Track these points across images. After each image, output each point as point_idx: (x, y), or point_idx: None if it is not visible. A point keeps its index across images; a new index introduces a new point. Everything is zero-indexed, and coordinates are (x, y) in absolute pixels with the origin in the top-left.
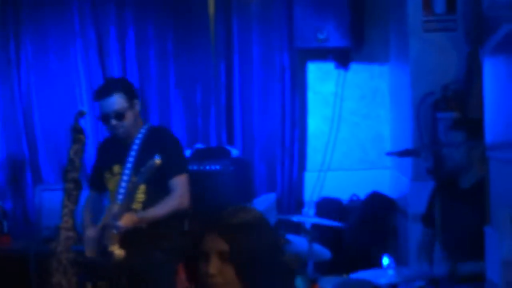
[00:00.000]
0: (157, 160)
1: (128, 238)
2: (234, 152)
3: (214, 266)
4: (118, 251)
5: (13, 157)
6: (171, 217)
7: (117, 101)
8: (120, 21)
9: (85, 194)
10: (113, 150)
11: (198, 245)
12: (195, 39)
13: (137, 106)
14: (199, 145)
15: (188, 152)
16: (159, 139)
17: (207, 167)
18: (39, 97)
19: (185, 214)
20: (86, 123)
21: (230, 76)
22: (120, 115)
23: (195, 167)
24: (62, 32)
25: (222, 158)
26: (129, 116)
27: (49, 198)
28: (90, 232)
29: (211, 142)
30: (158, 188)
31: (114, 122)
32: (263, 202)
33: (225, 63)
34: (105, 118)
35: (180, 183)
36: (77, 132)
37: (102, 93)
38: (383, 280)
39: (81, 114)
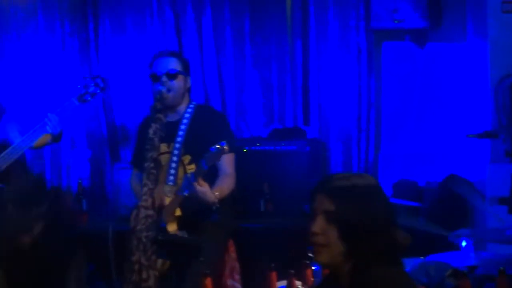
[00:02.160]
0: (225, 147)
1: (184, 218)
2: (310, 132)
3: (318, 225)
4: (181, 234)
5: (92, 136)
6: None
7: (172, 62)
8: (197, 2)
9: None
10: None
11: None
12: (271, 18)
13: (189, 83)
14: (275, 126)
15: (265, 132)
16: (209, 117)
17: (283, 147)
18: (117, 76)
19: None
20: None
21: (306, 56)
22: (171, 75)
23: (271, 147)
24: (140, 12)
25: (298, 139)
26: (180, 81)
27: (127, 177)
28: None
29: (287, 122)
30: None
31: (164, 79)
32: None
33: (301, 43)
34: (156, 76)
35: (231, 162)
36: (156, 111)
37: (161, 53)
38: (461, 263)
39: (160, 94)
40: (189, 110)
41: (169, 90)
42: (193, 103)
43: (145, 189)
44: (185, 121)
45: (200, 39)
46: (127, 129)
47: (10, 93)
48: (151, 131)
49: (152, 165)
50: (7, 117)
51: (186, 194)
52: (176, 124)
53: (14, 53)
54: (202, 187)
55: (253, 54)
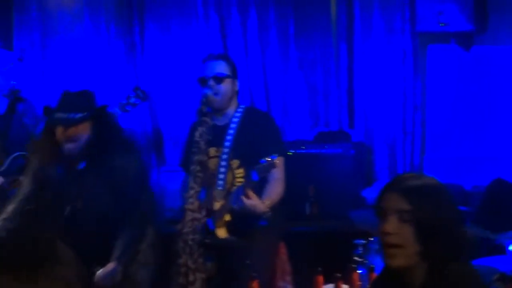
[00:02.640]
0: (277, 160)
1: (234, 222)
2: (355, 135)
3: (391, 225)
4: (221, 232)
5: (138, 139)
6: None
7: (220, 65)
8: (242, 4)
9: None
10: (207, 132)
11: (377, 202)
12: (316, 21)
13: (237, 86)
14: (320, 129)
15: (310, 135)
16: (258, 121)
17: (328, 151)
18: (162, 79)
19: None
20: None
21: (351, 59)
22: (219, 79)
23: (316, 150)
24: (185, 15)
25: (343, 142)
26: (227, 84)
27: (173, 180)
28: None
29: (332, 125)
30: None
31: (211, 82)
32: None
33: (346, 46)
34: (204, 79)
35: (279, 167)
36: (202, 115)
37: (210, 56)
38: (508, 267)
39: (207, 97)
40: (238, 114)
41: (216, 94)
42: (242, 106)
43: (192, 192)
44: (233, 125)
45: (245, 42)
46: (172, 132)
47: (56, 95)
48: (197, 134)
49: (198, 168)
50: None
51: (235, 207)
52: (224, 128)
53: (61, 56)
54: (251, 200)
55: (298, 57)
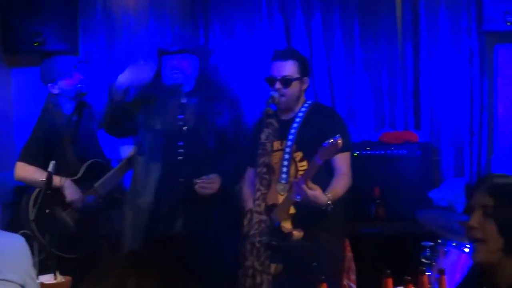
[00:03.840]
0: (339, 140)
1: (298, 216)
2: (421, 136)
3: (475, 219)
4: (297, 233)
5: None
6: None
7: (288, 67)
8: (306, 5)
9: None
10: (273, 134)
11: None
12: (381, 21)
13: (306, 83)
14: (386, 129)
15: (375, 136)
16: (323, 114)
17: (394, 152)
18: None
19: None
20: None
21: (417, 59)
22: (286, 81)
23: (382, 151)
24: (249, 16)
25: (409, 143)
26: (295, 87)
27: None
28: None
29: (397, 126)
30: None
31: (278, 85)
32: (451, 187)
33: (412, 46)
34: (271, 80)
35: (346, 161)
36: (268, 116)
37: (278, 55)
38: None
39: (272, 99)
40: (303, 108)
41: (283, 95)
42: (308, 101)
43: (258, 193)
44: (298, 119)
45: (309, 43)
46: None
47: None
48: (263, 136)
49: (264, 170)
50: None
51: (298, 199)
52: (289, 122)
53: (126, 59)
54: (313, 191)
55: (363, 58)
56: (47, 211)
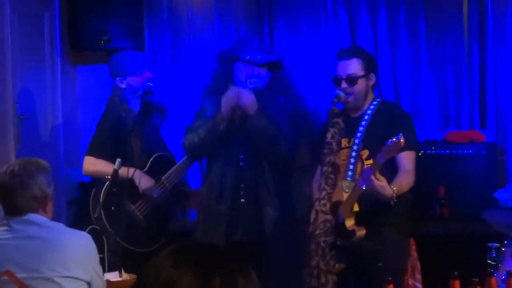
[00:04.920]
0: (402, 139)
1: (362, 213)
2: (487, 136)
3: None
4: (360, 231)
5: None
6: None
7: (353, 65)
8: (371, 3)
9: None
10: (339, 133)
11: None
12: (447, 19)
13: (372, 80)
14: (451, 129)
15: (440, 136)
16: (391, 113)
17: (459, 151)
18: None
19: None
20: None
21: (483, 58)
22: (352, 80)
23: (447, 151)
24: (314, 14)
25: (474, 143)
26: (361, 84)
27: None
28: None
29: (463, 126)
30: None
31: (344, 85)
32: None
33: (478, 45)
34: (337, 79)
35: (411, 159)
36: (334, 116)
37: (343, 54)
38: None
39: (338, 98)
40: (372, 106)
41: (349, 94)
42: (378, 99)
43: (323, 193)
44: (366, 117)
45: (375, 41)
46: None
47: (185, 97)
48: (329, 136)
49: (330, 169)
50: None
51: (364, 187)
52: (358, 119)
53: (191, 57)
54: (380, 181)
55: (429, 56)
56: (112, 208)
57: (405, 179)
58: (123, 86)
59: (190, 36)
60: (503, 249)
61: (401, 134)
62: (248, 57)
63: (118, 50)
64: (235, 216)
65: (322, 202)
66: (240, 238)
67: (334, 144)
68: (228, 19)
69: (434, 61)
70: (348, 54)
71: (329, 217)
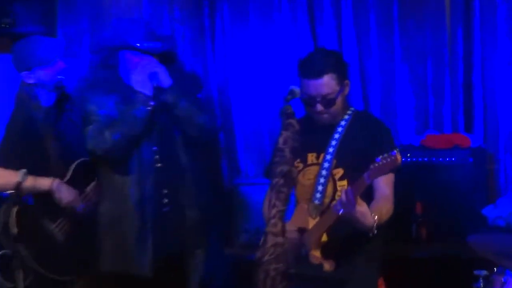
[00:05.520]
0: (398, 156)
1: (331, 245)
2: (474, 140)
3: None
4: (327, 264)
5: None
6: None
7: (327, 83)
8: None
9: None
10: (307, 134)
11: None
12: (425, 1)
13: (348, 88)
14: (430, 132)
15: (417, 140)
16: (368, 125)
17: (440, 159)
18: (237, 72)
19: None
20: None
21: (469, 47)
22: (328, 101)
23: (425, 159)
24: None
25: (459, 148)
26: (338, 102)
27: (249, 195)
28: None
29: (445, 128)
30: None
31: (319, 108)
32: (511, 203)
33: (463, 31)
34: (310, 101)
35: (390, 183)
36: (287, 116)
37: (311, 71)
38: None
39: (292, 93)
40: (347, 116)
41: (325, 114)
42: (352, 108)
43: (274, 211)
44: (340, 128)
45: (338, 28)
46: (249, 135)
47: None
48: (281, 141)
49: (282, 181)
50: None
51: (341, 213)
52: (329, 130)
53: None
54: (361, 207)
55: (404, 46)
56: (27, 227)
57: (385, 207)
58: (31, 81)
59: (113, 20)
60: (492, 278)
61: (395, 150)
62: (139, 44)
63: (24, 36)
64: (160, 230)
65: (273, 221)
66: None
67: (287, 150)
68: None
69: (411, 52)
70: (318, 70)
71: (280, 239)
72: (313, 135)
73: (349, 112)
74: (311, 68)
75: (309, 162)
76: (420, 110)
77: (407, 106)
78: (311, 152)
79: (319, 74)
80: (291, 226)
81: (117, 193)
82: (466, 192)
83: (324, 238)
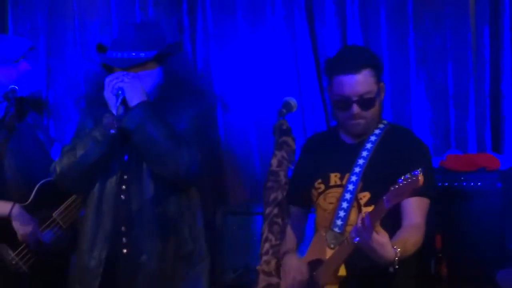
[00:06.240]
0: (420, 176)
1: (350, 280)
2: (504, 162)
3: None
4: None
5: None
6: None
7: (365, 80)
8: None
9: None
10: (330, 151)
11: None
12: None
13: (383, 92)
14: (451, 151)
15: (435, 161)
16: (404, 143)
17: (463, 184)
18: (221, 78)
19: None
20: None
21: (497, 50)
22: (367, 102)
23: (445, 183)
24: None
25: (485, 171)
26: (377, 106)
27: (237, 226)
28: (294, 264)
29: (469, 146)
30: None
31: (356, 109)
32: None
33: (490, 31)
34: (344, 102)
35: (423, 210)
36: (282, 132)
37: (346, 65)
38: None
39: (288, 106)
40: (378, 131)
41: (361, 118)
42: (385, 122)
43: (266, 246)
44: (369, 145)
45: (342, 25)
46: (234, 154)
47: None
48: (274, 163)
49: (276, 211)
50: None
51: (355, 242)
52: (356, 148)
53: (75, 48)
54: (380, 236)
55: (419, 47)
56: None
57: (412, 237)
58: None
59: (74, 18)
60: None
61: (418, 170)
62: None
63: None
64: (112, 276)
65: (265, 258)
66: None
67: (281, 174)
68: None
69: (428, 54)
70: (355, 66)
71: (274, 280)
72: (337, 152)
73: (381, 125)
74: (346, 62)
75: (332, 183)
76: (439, 125)
77: (424, 119)
78: (334, 172)
79: (356, 69)
80: (307, 259)
81: (80, 226)
82: (494, 223)
83: (342, 272)
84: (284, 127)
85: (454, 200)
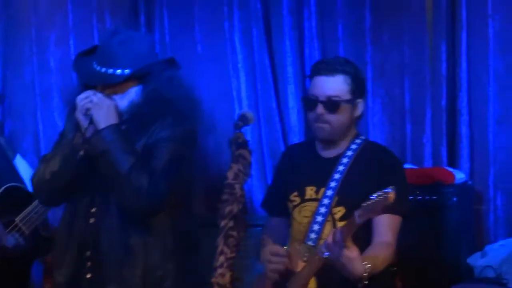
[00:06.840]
0: (391, 194)
1: None
2: (459, 176)
3: None
4: None
5: None
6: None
7: (337, 84)
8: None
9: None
10: (306, 164)
11: None
12: (403, 9)
13: (360, 109)
14: (407, 165)
15: None
16: (380, 159)
17: (419, 198)
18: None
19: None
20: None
21: (454, 65)
22: (332, 104)
23: None
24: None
25: (441, 185)
26: (344, 112)
27: None
28: (270, 247)
29: (425, 161)
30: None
31: (320, 110)
32: (501, 251)
33: (447, 46)
34: (310, 101)
35: (395, 228)
36: (238, 146)
37: (325, 67)
38: None
39: (244, 119)
40: (354, 146)
41: (325, 123)
42: (362, 137)
43: (221, 259)
44: (345, 159)
45: (299, 39)
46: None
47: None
48: (230, 175)
49: (231, 224)
50: None
51: (325, 256)
52: (333, 162)
53: (35, 56)
54: (350, 252)
55: (377, 62)
56: None
57: (382, 254)
58: None
59: (31, 30)
60: None
61: (391, 187)
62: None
63: None
64: None
65: (220, 271)
66: None
67: (237, 187)
68: (88, 5)
69: (385, 69)
70: (332, 69)
71: None
72: (314, 165)
73: (358, 141)
74: (325, 65)
75: (307, 196)
76: (395, 140)
77: (380, 134)
78: (310, 185)
79: (331, 72)
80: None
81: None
82: (449, 237)
83: (312, 285)
84: (241, 140)
85: (414, 213)
